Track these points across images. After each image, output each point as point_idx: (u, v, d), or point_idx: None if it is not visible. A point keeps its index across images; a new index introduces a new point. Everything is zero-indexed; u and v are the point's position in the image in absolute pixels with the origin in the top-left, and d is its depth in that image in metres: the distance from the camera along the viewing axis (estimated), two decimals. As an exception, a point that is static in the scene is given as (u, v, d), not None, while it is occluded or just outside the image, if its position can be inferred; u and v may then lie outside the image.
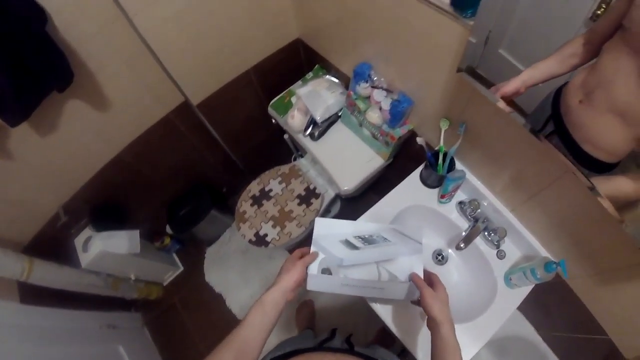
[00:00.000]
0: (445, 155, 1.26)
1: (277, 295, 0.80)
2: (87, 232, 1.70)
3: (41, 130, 1.28)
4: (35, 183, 1.42)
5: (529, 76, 0.81)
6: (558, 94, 0.80)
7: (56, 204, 1.56)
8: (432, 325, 0.80)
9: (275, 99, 1.78)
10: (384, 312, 1.18)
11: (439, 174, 1.28)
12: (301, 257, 0.92)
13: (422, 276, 0.92)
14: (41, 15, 1.02)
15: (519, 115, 0.86)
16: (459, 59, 0.91)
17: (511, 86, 0.83)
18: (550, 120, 0.82)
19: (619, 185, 0.75)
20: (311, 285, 0.92)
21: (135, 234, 1.86)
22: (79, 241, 1.69)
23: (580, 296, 1.16)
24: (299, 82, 1.79)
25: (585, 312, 1.16)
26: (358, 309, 2.06)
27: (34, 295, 1.50)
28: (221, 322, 2.25)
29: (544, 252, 1.18)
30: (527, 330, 1.49)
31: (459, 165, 1.31)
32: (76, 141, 1.41)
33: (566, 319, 1.31)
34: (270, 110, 1.78)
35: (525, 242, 1.21)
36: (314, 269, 0.93)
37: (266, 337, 0.76)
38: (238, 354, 0.70)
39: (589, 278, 1.08)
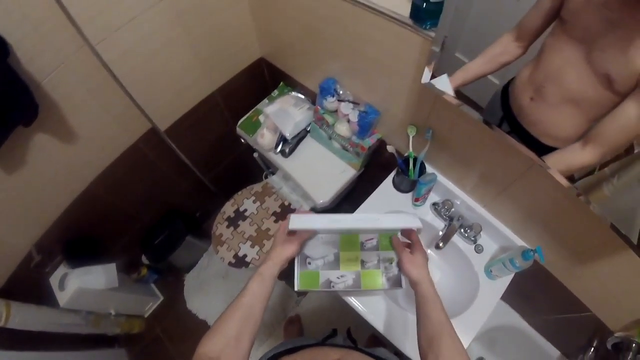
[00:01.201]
0: (415, 160, 1.29)
1: (274, 268, 0.85)
2: (62, 269, 1.64)
3: (8, 168, 1.23)
4: (4, 223, 1.36)
5: (462, 79, 0.87)
6: (505, 93, 0.83)
7: (28, 243, 1.50)
8: (413, 286, 0.86)
9: (243, 118, 1.79)
10: (373, 318, 1.19)
11: (411, 178, 1.31)
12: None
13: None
14: (2, 48, 0.98)
15: (473, 110, 0.90)
16: (422, 68, 0.92)
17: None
18: (504, 121, 0.85)
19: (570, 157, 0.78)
20: (294, 224, 0.87)
21: (112, 267, 1.80)
22: (54, 280, 1.62)
23: (559, 278, 1.21)
24: (265, 100, 1.80)
25: (567, 293, 1.20)
26: (346, 317, 2.05)
27: (12, 340, 1.43)
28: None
29: (519, 242, 1.23)
30: (513, 318, 1.53)
31: (429, 168, 1.35)
32: (45, 176, 1.36)
33: (549, 301, 1.35)
34: (239, 131, 1.78)
35: (501, 234, 1.26)
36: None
37: (266, 304, 0.81)
38: (244, 317, 0.76)
39: (565, 260, 1.12)
